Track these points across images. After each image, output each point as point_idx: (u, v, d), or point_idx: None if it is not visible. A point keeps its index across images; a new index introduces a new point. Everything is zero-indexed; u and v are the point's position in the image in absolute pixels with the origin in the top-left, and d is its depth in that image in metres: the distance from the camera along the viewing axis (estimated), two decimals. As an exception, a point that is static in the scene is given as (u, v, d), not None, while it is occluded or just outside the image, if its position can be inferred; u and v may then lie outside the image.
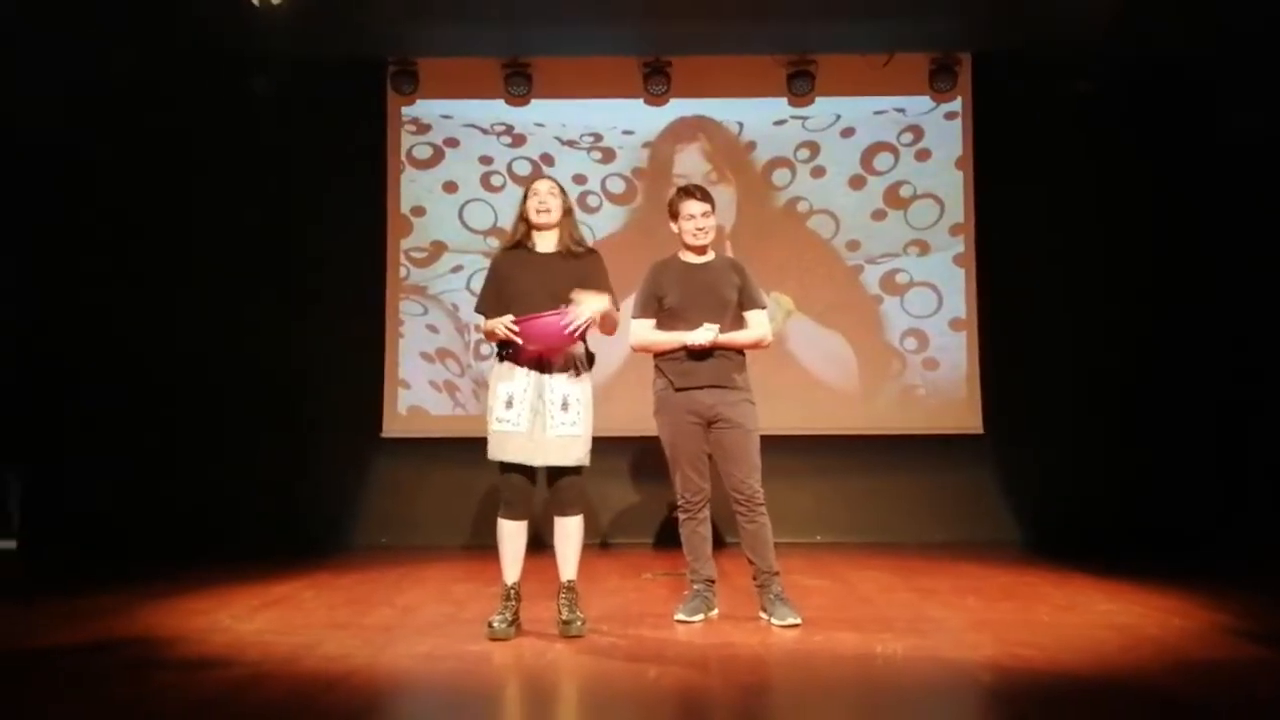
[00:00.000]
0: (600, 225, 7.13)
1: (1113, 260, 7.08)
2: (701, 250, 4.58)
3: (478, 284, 6.96)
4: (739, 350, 4.54)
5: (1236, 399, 6.87)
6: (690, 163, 7.28)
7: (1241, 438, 6.84)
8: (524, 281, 4.22)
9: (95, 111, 6.71)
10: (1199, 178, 7.00)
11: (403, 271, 7.22)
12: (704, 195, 4.55)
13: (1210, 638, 4.13)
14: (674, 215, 4.58)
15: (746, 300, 4.56)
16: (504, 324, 4.10)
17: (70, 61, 6.29)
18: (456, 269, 7.20)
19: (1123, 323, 7.03)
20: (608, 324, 4.25)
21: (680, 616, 4.49)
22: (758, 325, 4.56)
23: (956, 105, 7.23)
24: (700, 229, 4.53)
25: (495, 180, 7.25)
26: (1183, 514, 6.78)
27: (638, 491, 7.11)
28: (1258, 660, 3.83)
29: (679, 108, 7.27)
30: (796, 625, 4.33)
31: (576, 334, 4.10)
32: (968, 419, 7.08)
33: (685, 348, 4.44)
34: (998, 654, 3.89)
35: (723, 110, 7.30)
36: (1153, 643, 4.05)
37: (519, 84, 7.16)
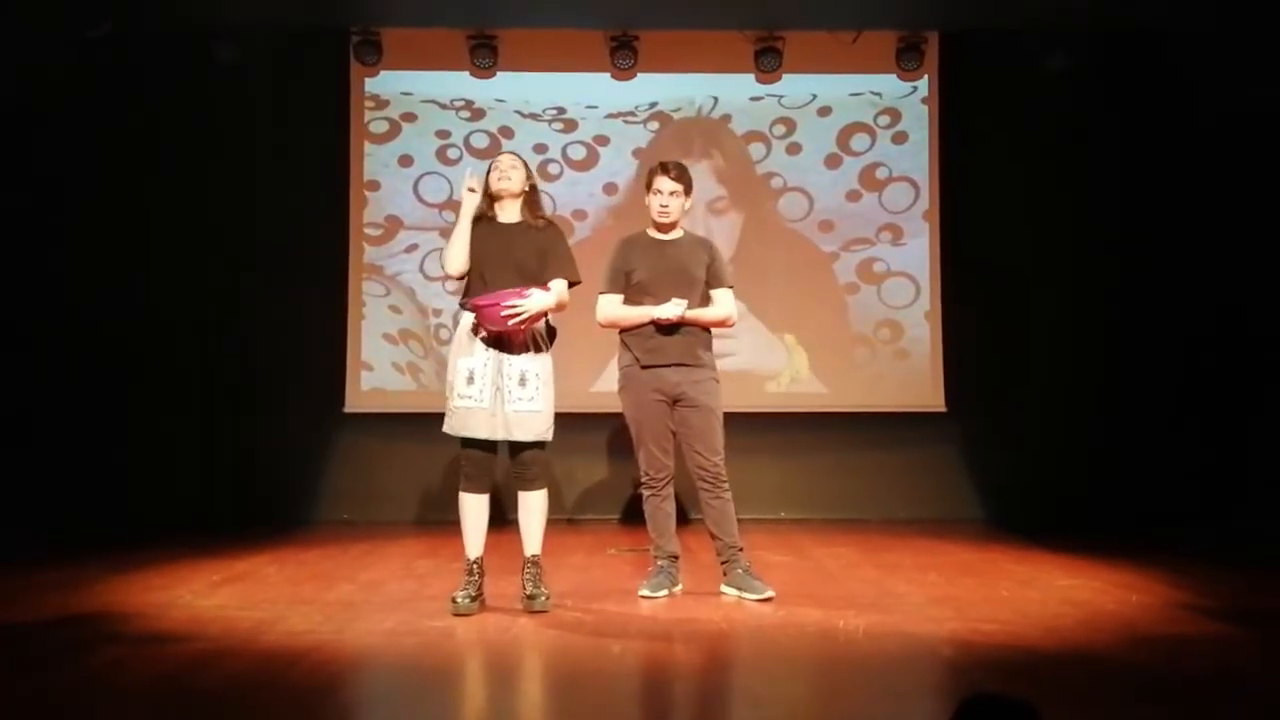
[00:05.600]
0: (560, 193, 7.08)
1: (1081, 240, 7.10)
2: (668, 228, 4.57)
3: (431, 266, 7.05)
4: (705, 328, 4.55)
5: (1199, 379, 6.95)
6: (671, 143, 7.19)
7: (1203, 417, 6.92)
8: (486, 253, 4.22)
9: (52, 80, 6.57)
10: (1174, 157, 7.01)
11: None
12: (678, 175, 4.53)
13: (1168, 613, 4.20)
14: (647, 187, 4.59)
15: (714, 279, 4.57)
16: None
17: (28, 29, 6.15)
18: (411, 249, 7.12)
19: (1088, 302, 7.07)
20: (556, 306, 4.25)
21: (644, 592, 4.50)
22: (724, 304, 4.57)
23: (934, 90, 7.22)
24: (665, 207, 4.52)
25: (451, 153, 7.17)
26: (1143, 492, 6.85)
27: (603, 467, 7.09)
28: (1213, 635, 3.89)
29: (645, 82, 7.22)
30: (770, 599, 4.36)
31: (517, 325, 4.09)
32: (931, 397, 7.12)
33: (653, 323, 4.44)
34: (959, 628, 3.93)
35: (697, 85, 7.24)
36: (1110, 618, 4.11)
37: (484, 56, 7.08)
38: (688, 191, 4.56)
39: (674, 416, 4.50)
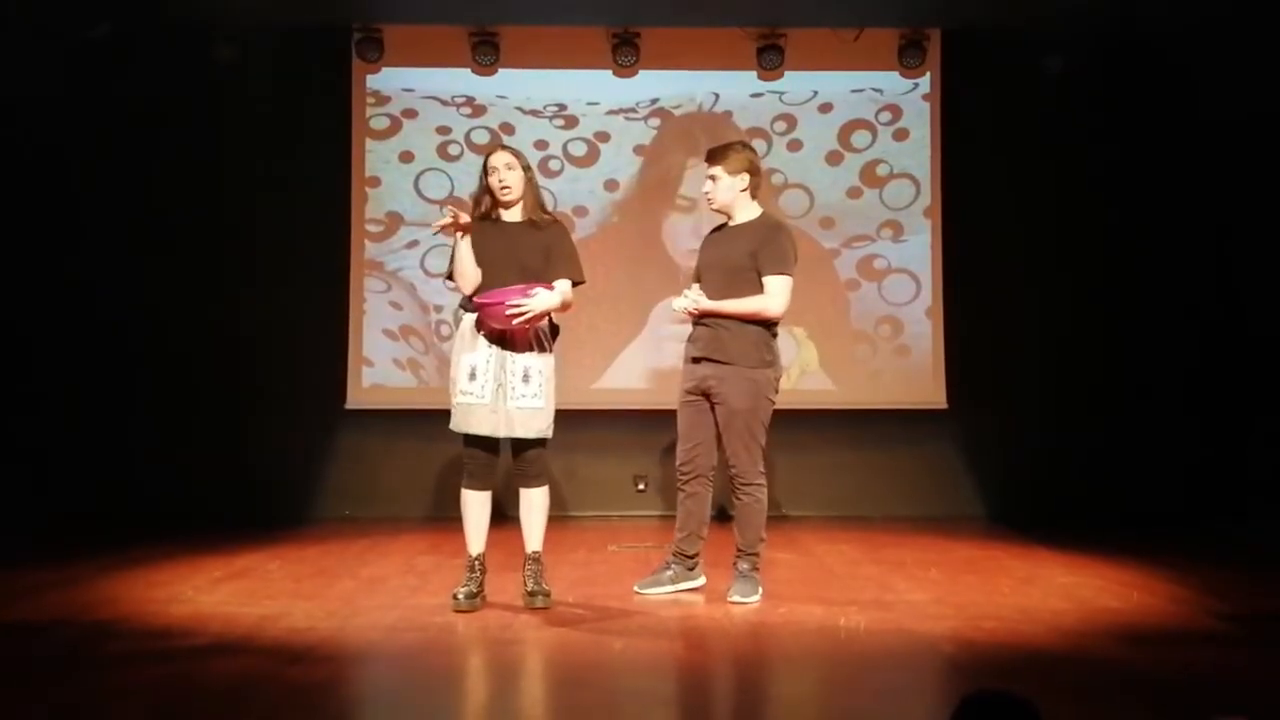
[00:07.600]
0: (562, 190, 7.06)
1: (1081, 237, 7.09)
2: (725, 214, 4.49)
3: (432, 263, 7.05)
4: (747, 320, 4.35)
5: (1200, 377, 6.94)
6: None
7: (1204, 415, 6.91)
8: (490, 252, 4.19)
9: (54, 78, 6.58)
10: (1174, 155, 7.00)
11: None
12: (711, 156, 4.44)
13: (1168, 611, 4.20)
14: None
15: (762, 265, 4.34)
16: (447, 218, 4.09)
17: (29, 27, 6.15)
18: (412, 244, 7.10)
19: (1089, 299, 7.07)
20: (560, 306, 4.23)
21: (648, 589, 4.49)
22: (768, 292, 4.34)
23: (935, 87, 7.21)
24: (706, 194, 4.49)
25: (453, 149, 7.16)
26: (1146, 489, 6.85)
27: (604, 464, 7.05)
28: (1212, 633, 3.90)
29: (646, 79, 7.21)
30: (743, 604, 4.29)
31: (521, 324, 4.07)
32: (932, 394, 7.12)
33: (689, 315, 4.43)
34: (960, 626, 3.94)
35: (698, 81, 7.22)
36: (1111, 614, 4.12)
37: (486, 53, 7.07)
38: (734, 170, 4.37)
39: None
